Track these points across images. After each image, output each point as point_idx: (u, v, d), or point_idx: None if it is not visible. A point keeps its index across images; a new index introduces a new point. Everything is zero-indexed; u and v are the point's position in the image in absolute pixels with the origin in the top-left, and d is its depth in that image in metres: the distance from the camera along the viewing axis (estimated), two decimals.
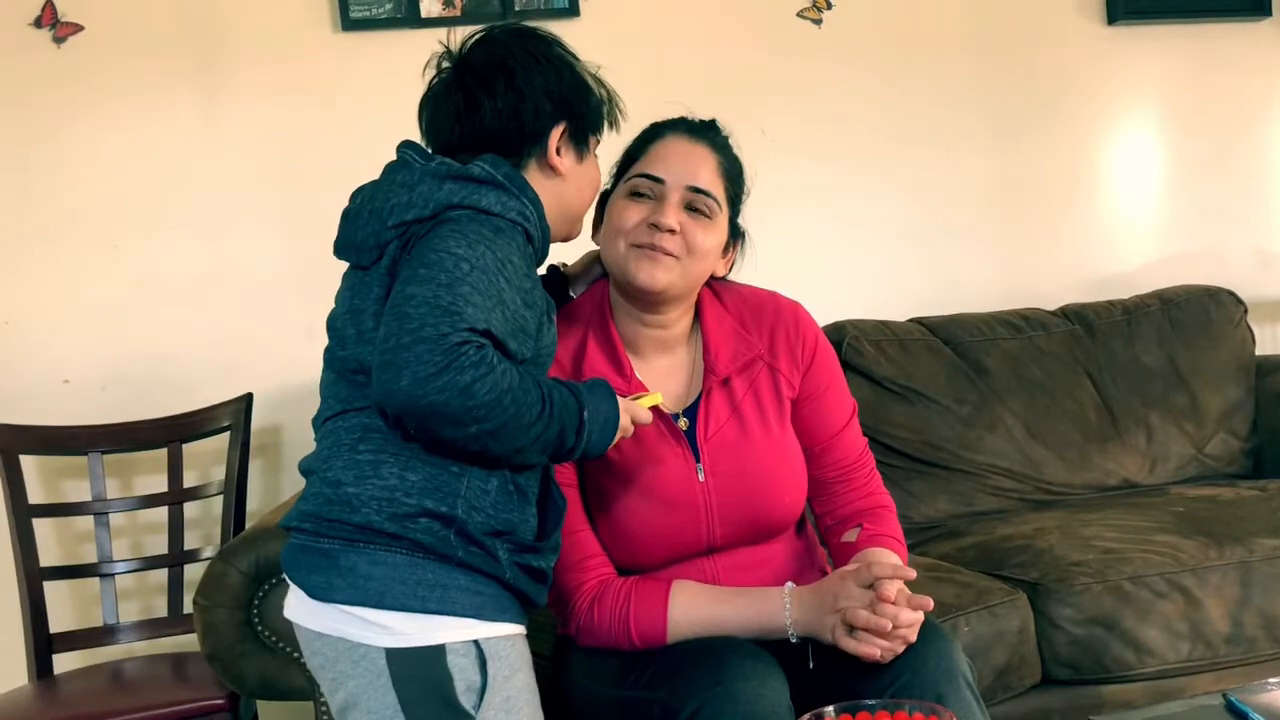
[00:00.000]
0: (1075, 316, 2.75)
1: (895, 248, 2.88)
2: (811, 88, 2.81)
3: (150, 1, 2.45)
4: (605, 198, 1.58)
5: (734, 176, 1.55)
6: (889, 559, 1.47)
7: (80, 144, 2.44)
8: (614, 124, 1.48)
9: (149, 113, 2.46)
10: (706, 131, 1.55)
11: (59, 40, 2.42)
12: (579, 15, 2.64)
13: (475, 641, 1.28)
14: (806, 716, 1.20)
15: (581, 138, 1.43)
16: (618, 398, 1.37)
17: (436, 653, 1.26)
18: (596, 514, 1.53)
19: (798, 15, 2.80)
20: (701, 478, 1.50)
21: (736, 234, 1.59)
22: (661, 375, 1.56)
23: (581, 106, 1.42)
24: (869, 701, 1.22)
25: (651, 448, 1.50)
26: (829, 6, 2.80)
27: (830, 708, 1.21)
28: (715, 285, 1.62)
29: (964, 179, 2.93)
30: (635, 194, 1.51)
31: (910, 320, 2.66)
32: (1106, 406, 2.64)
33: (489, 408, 1.20)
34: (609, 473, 1.50)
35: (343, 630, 1.27)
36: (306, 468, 1.36)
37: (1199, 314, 2.77)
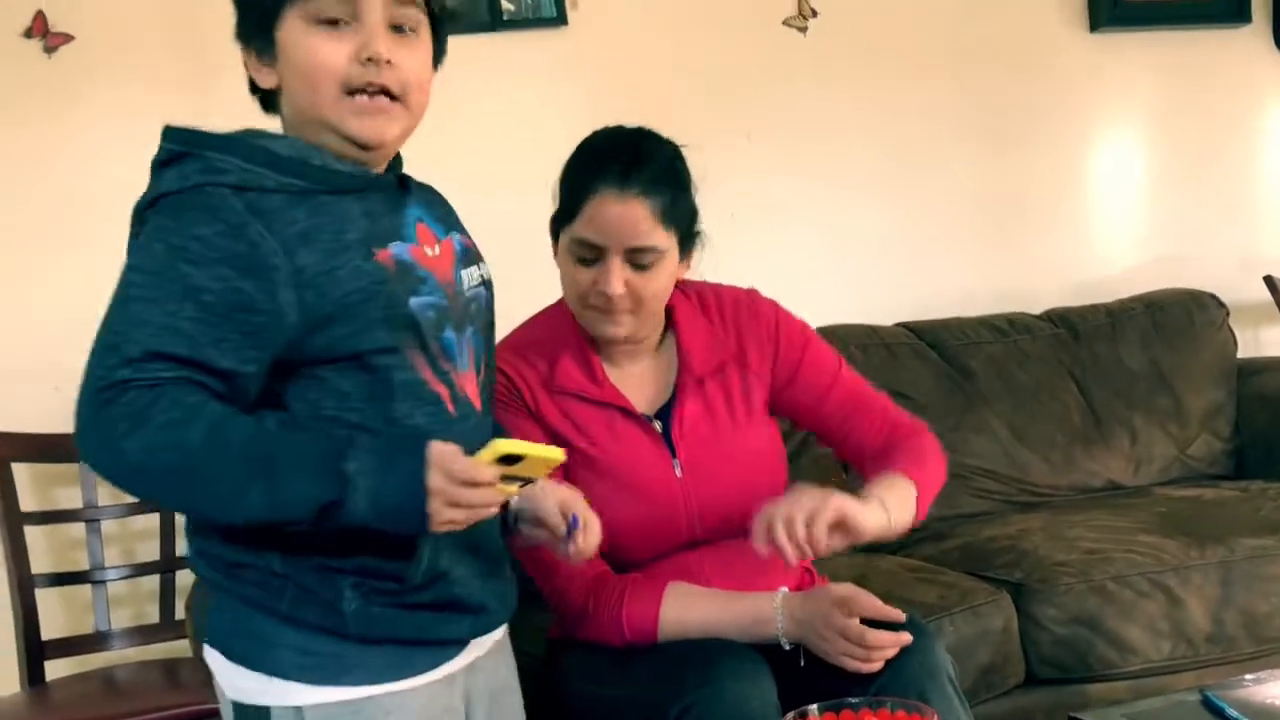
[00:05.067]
0: (1060, 320, 2.78)
1: (881, 253, 2.89)
2: (796, 95, 2.82)
3: (142, 12, 2.45)
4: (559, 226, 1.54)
5: (675, 208, 1.49)
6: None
7: (73, 153, 2.43)
8: None
9: (142, 122, 2.44)
10: (638, 173, 1.46)
11: (50, 50, 2.42)
12: (567, 24, 2.65)
13: (298, 709, 1.11)
14: (791, 715, 1.21)
15: (247, 39, 1.26)
16: (454, 454, 1.04)
17: (263, 715, 1.13)
18: None
19: (783, 24, 2.82)
20: (679, 474, 1.53)
21: (690, 246, 1.56)
22: (635, 379, 1.58)
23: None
24: (852, 700, 1.24)
25: (630, 446, 1.53)
26: (814, 15, 2.82)
27: (814, 706, 1.22)
28: (685, 287, 1.62)
29: (950, 185, 2.95)
30: (579, 258, 1.49)
31: (896, 325, 2.69)
32: (1091, 409, 2.67)
33: (142, 472, 1.01)
34: (592, 469, 1.52)
35: (214, 667, 1.18)
36: None
37: (1182, 317, 2.80)
